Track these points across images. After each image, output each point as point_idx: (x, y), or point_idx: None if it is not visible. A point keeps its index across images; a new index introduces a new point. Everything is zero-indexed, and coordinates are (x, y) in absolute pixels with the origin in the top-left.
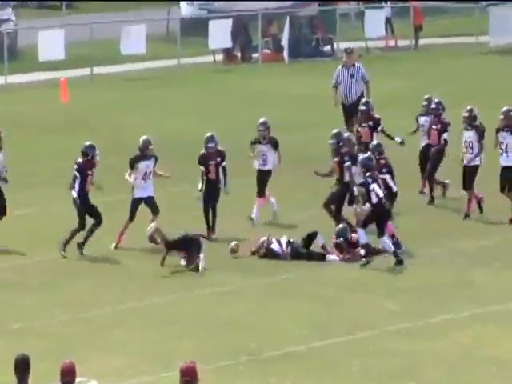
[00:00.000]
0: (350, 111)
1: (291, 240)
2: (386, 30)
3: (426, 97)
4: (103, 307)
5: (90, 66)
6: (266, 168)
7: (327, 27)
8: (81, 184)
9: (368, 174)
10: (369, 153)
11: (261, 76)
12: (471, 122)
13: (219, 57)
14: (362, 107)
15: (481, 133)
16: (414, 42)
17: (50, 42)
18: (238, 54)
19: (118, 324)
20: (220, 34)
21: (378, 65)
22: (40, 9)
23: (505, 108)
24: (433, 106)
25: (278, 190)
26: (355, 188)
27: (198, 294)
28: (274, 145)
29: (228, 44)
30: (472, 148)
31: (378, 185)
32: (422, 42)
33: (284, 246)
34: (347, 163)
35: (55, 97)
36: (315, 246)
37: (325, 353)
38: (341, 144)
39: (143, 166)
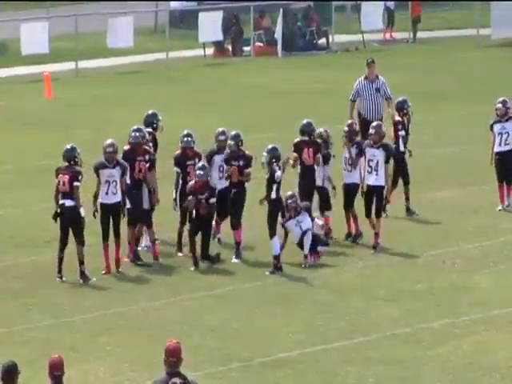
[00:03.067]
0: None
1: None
2: (389, 22)
3: (502, 99)
4: (87, 312)
5: (75, 60)
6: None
7: (322, 20)
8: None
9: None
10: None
11: (253, 70)
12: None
13: (210, 50)
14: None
15: None
16: (411, 35)
17: (34, 35)
18: (230, 48)
19: (103, 330)
20: (210, 26)
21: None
22: (23, 0)
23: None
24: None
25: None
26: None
27: (186, 299)
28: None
29: (219, 37)
30: None
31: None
32: (421, 34)
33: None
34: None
35: (39, 92)
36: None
37: (320, 359)
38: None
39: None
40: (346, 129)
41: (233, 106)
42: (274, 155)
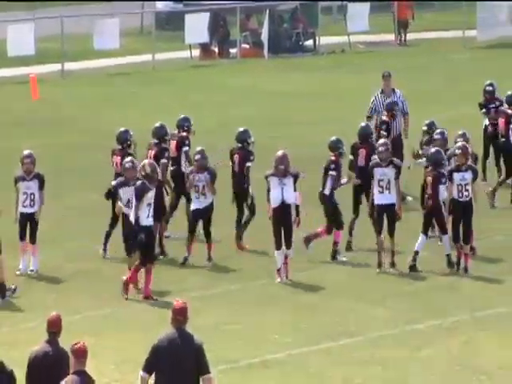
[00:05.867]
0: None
1: None
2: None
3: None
4: (74, 314)
5: (61, 62)
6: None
7: (308, 21)
8: None
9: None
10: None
11: (239, 72)
12: None
13: (196, 52)
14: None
15: None
16: (397, 36)
17: (20, 36)
18: (216, 49)
19: (90, 331)
20: (197, 28)
21: (362, 60)
22: (9, 1)
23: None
24: None
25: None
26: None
27: (174, 300)
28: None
29: (205, 39)
30: None
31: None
32: (406, 36)
33: None
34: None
35: (25, 93)
36: None
37: (306, 360)
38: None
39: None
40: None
41: (219, 107)
42: None
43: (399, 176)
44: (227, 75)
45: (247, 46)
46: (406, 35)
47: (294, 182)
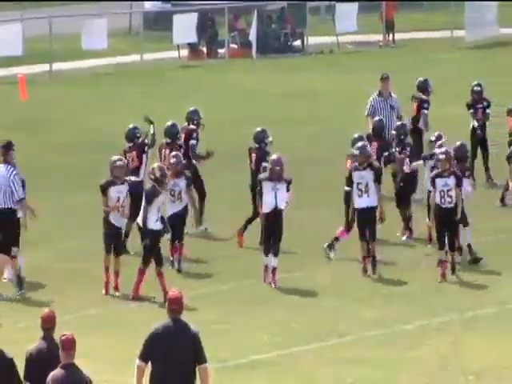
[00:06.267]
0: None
1: None
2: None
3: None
4: (64, 314)
5: (49, 62)
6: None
7: (297, 22)
8: None
9: None
10: None
11: (228, 72)
12: None
13: (184, 52)
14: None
15: None
16: (386, 37)
17: (8, 36)
18: (204, 50)
19: (80, 331)
20: (185, 28)
21: (350, 61)
22: None
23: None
24: None
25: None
26: None
27: (162, 300)
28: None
29: (193, 39)
30: None
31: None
32: (395, 36)
33: None
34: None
35: (13, 94)
36: None
37: (296, 360)
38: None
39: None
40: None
41: (207, 107)
42: None
43: (380, 179)
44: (215, 75)
45: (235, 47)
46: (394, 35)
47: (287, 189)
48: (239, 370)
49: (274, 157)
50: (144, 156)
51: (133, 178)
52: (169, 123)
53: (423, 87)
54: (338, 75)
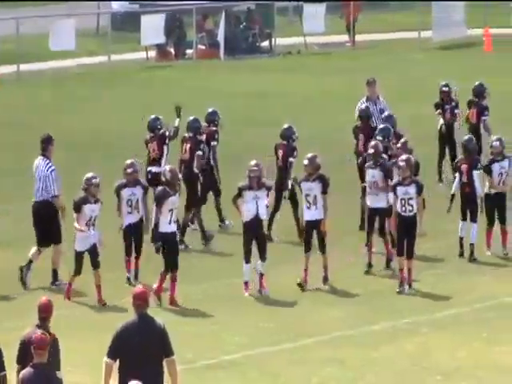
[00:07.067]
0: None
1: None
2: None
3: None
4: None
5: (16, 63)
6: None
7: (264, 22)
8: None
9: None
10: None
11: (195, 73)
12: None
13: (152, 53)
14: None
15: None
16: (351, 38)
17: None
18: (172, 51)
19: (63, 333)
20: (153, 29)
21: (318, 61)
22: None
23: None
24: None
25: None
26: None
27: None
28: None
29: (161, 40)
30: None
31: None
32: (362, 37)
33: None
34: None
35: None
36: None
37: (263, 361)
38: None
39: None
40: (372, 151)
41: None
42: None
43: (326, 191)
44: (183, 76)
45: (203, 47)
46: (354, 36)
47: (267, 195)
48: (208, 370)
49: (251, 163)
50: (165, 147)
51: (154, 169)
52: (191, 118)
53: (479, 92)
54: (304, 76)
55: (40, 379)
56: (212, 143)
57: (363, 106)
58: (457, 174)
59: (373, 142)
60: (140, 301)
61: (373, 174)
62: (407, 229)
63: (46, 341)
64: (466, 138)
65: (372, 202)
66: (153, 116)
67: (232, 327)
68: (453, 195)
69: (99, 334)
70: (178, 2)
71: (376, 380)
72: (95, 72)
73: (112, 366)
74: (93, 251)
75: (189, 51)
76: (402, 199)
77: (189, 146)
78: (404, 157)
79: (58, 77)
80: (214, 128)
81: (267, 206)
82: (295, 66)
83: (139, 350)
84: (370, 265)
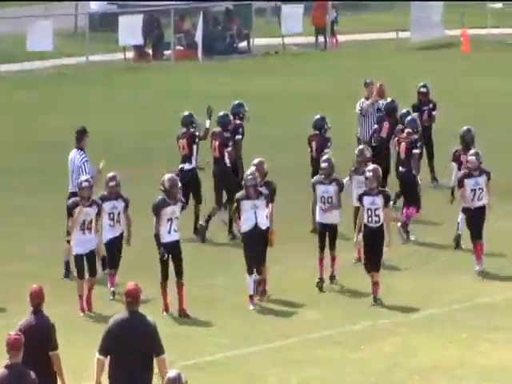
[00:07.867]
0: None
1: None
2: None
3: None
4: (11, 317)
5: None
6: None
7: (243, 23)
8: None
9: None
10: None
11: (173, 74)
12: None
13: (130, 54)
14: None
15: None
16: (330, 39)
17: None
18: (150, 51)
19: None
20: (131, 30)
21: (296, 62)
22: None
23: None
24: None
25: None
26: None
27: (109, 302)
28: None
29: (139, 41)
30: None
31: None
32: (340, 38)
33: None
34: None
35: None
36: None
37: (242, 362)
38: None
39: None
40: (325, 165)
41: (153, 110)
42: None
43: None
44: (161, 77)
45: (181, 48)
46: (325, 38)
47: (266, 204)
48: (186, 371)
49: (247, 172)
50: (194, 146)
51: (186, 166)
52: (221, 113)
53: (392, 108)
54: (283, 76)
55: (15, 379)
56: (236, 137)
57: (318, 117)
58: (454, 164)
59: (325, 157)
60: (131, 298)
61: (326, 190)
62: (373, 239)
63: (19, 342)
64: (465, 128)
65: (323, 217)
66: (187, 112)
67: (212, 328)
68: (453, 187)
69: (82, 335)
70: (156, 3)
71: (355, 380)
72: (73, 73)
73: (103, 363)
74: (90, 257)
75: (167, 52)
76: (368, 209)
77: (217, 143)
78: (371, 167)
79: (36, 77)
80: (239, 121)
81: (267, 217)
82: (273, 67)
83: (129, 347)
84: (321, 279)
